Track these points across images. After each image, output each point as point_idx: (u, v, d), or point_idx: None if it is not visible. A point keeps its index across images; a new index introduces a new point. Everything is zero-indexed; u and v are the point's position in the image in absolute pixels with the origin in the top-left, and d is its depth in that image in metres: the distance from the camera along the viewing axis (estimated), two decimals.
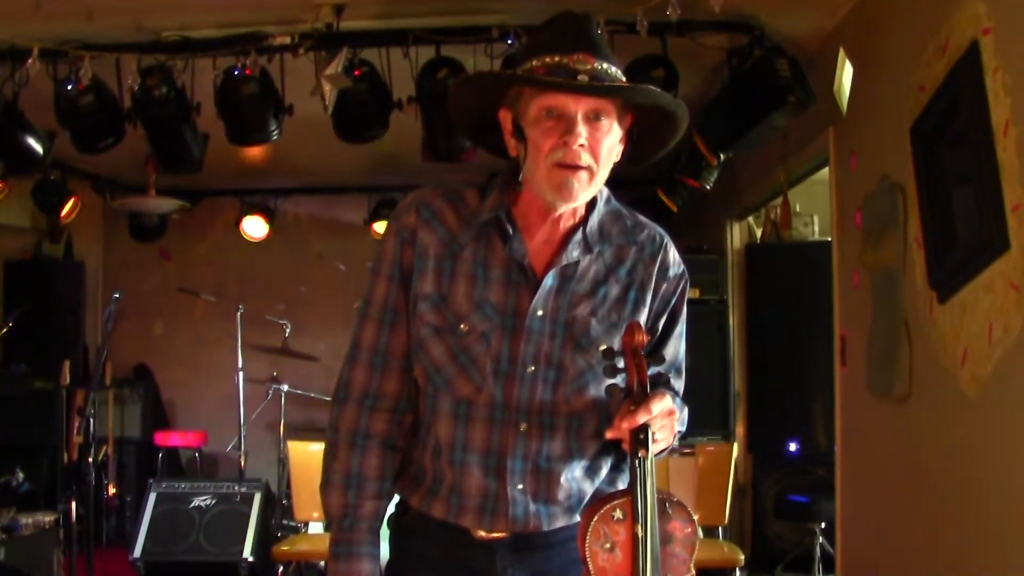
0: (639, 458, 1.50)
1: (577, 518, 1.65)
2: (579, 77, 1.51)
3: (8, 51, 3.94)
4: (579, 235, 1.65)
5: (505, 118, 1.62)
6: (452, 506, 1.65)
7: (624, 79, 1.58)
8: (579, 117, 1.52)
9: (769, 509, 5.42)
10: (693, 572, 1.61)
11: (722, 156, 4.58)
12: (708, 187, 5.08)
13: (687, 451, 4.54)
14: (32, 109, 4.20)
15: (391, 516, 1.75)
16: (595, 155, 1.55)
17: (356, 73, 3.86)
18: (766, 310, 5.65)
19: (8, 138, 4.27)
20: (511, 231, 1.63)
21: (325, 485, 1.68)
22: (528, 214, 1.65)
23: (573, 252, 1.64)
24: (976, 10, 2.56)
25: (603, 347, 1.58)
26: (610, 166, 1.60)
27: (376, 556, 1.66)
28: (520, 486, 1.63)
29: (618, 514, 1.53)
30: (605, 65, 1.54)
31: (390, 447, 1.69)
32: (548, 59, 1.54)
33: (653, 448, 1.51)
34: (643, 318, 1.68)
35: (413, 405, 1.70)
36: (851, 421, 3.85)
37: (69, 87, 3.93)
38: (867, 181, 3.51)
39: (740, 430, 5.65)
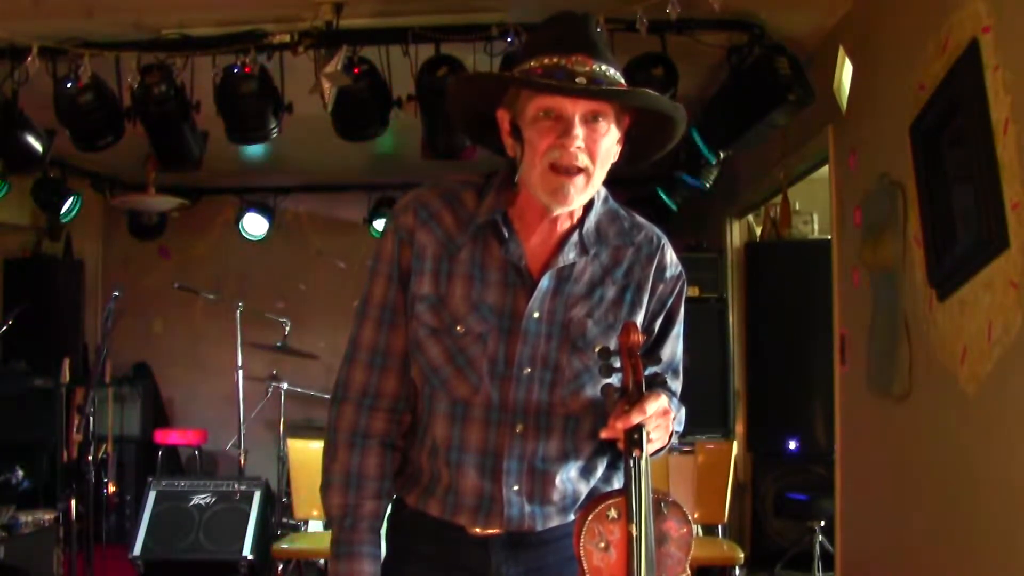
0: (634, 458, 1.50)
1: (572, 517, 1.65)
2: (577, 79, 1.50)
3: (7, 49, 3.94)
4: (575, 237, 1.64)
5: (503, 118, 1.61)
6: (448, 505, 1.66)
7: (623, 81, 1.57)
8: (576, 119, 1.52)
9: (769, 507, 5.42)
10: (688, 573, 1.60)
11: (722, 154, 4.58)
12: (708, 185, 5.08)
13: (687, 449, 4.55)
14: (32, 107, 4.20)
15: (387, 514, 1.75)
16: (592, 157, 1.54)
17: (356, 71, 3.85)
18: (766, 308, 5.65)
19: (8, 136, 4.27)
20: (507, 233, 1.63)
21: (325, 486, 1.68)
22: (525, 215, 1.65)
23: (569, 254, 1.64)
24: (976, 8, 2.56)
25: (599, 347, 1.58)
26: (607, 168, 1.60)
27: (377, 556, 1.66)
28: (516, 487, 1.63)
29: (613, 513, 1.53)
30: (603, 67, 1.53)
31: (389, 447, 1.69)
32: (546, 60, 1.53)
33: (648, 448, 1.51)
34: (640, 319, 1.68)
35: (411, 405, 1.70)
36: (851, 419, 3.86)
37: (69, 85, 3.93)
38: (867, 179, 3.51)
39: (740, 428, 5.65)
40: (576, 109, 1.52)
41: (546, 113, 1.53)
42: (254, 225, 7.11)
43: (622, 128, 1.60)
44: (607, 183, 1.68)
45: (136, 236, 7.21)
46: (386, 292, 1.68)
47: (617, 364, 1.54)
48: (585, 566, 1.53)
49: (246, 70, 3.88)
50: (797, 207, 5.61)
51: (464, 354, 1.62)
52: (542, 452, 1.63)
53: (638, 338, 1.55)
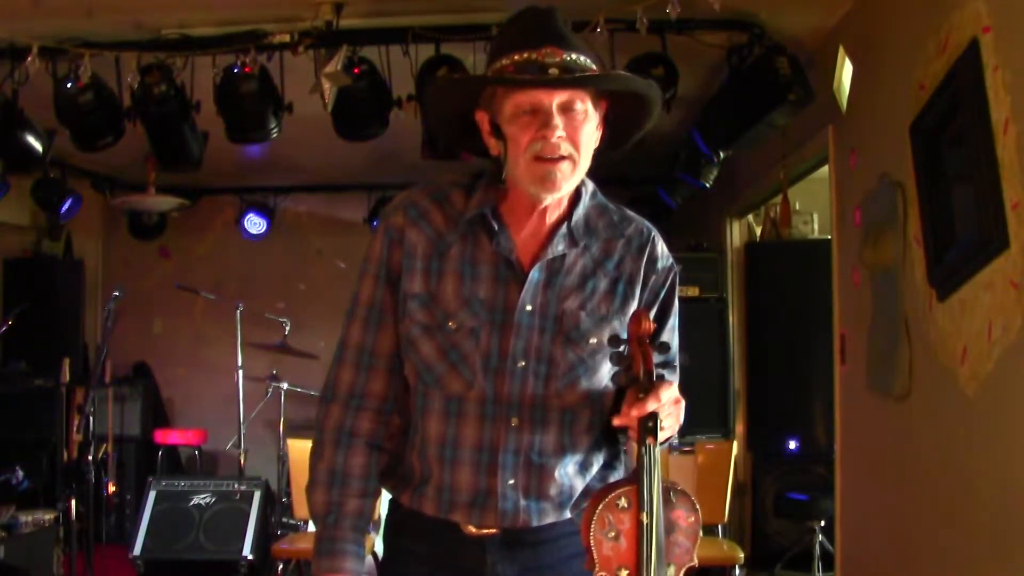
0: (647, 446, 1.50)
1: (567, 515, 1.65)
2: (549, 71, 1.52)
3: (7, 49, 3.94)
4: (564, 229, 1.66)
5: (482, 119, 1.63)
6: (443, 503, 1.66)
7: (595, 67, 1.59)
8: (554, 109, 1.54)
9: (769, 507, 5.42)
10: (696, 562, 1.61)
11: (722, 154, 4.58)
12: (708, 185, 5.08)
13: (687, 449, 4.55)
14: (32, 107, 4.20)
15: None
16: (574, 144, 1.56)
17: (356, 71, 3.86)
18: (766, 308, 5.65)
19: (8, 136, 4.27)
20: (497, 227, 1.64)
21: (310, 484, 1.68)
22: (514, 210, 1.66)
23: (559, 245, 1.65)
24: (976, 8, 2.56)
25: (610, 335, 1.59)
26: (591, 153, 1.61)
27: (360, 555, 1.66)
28: (511, 481, 1.63)
29: (623, 502, 1.53)
30: (574, 56, 1.55)
31: (375, 447, 1.69)
32: (517, 56, 1.55)
33: (660, 436, 1.51)
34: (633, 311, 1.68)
35: (401, 406, 1.71)
36: (851, 419, 3.86)
37: (69, 85, 3.93)
38: (867, 179, 3.51)
39: (740, 428, 5.65)
40: (552, 100, 1.54)
41: (524, 108, 1.55)
42: (254, 225, 7.11)
43: (600, 112, 1.61)
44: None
45: (136, 236, 7.21)
46: (374, 292, 1.69)
47: (626, 352, 1.54)
48: (595, 555, 1.52)
49: (246, 70, 3.88)
50: (797, 207, 5.61)
51: (457, 350, 1.63)
52: (538, 445, 1.64)
53: (649, 326, 1.55)
